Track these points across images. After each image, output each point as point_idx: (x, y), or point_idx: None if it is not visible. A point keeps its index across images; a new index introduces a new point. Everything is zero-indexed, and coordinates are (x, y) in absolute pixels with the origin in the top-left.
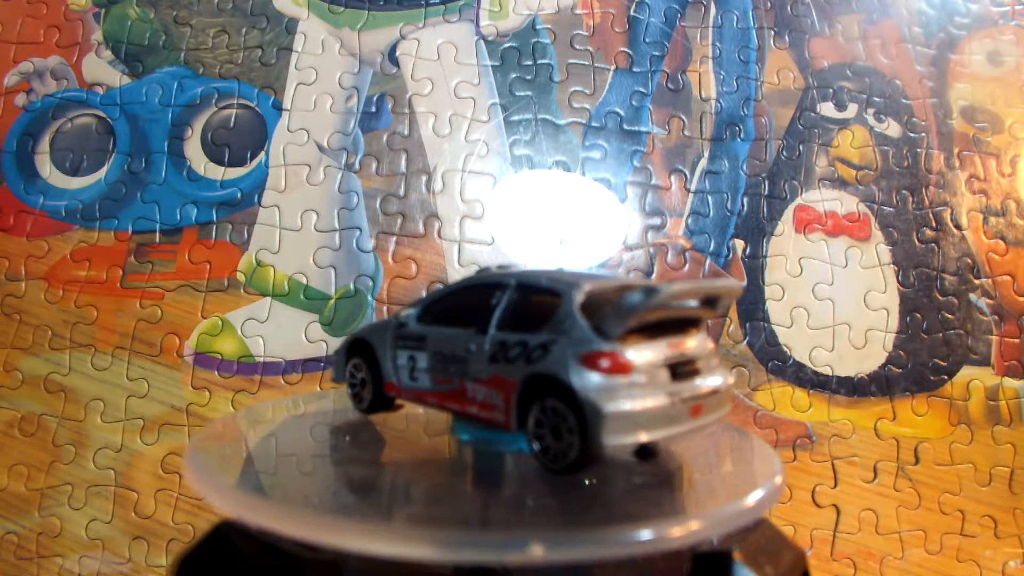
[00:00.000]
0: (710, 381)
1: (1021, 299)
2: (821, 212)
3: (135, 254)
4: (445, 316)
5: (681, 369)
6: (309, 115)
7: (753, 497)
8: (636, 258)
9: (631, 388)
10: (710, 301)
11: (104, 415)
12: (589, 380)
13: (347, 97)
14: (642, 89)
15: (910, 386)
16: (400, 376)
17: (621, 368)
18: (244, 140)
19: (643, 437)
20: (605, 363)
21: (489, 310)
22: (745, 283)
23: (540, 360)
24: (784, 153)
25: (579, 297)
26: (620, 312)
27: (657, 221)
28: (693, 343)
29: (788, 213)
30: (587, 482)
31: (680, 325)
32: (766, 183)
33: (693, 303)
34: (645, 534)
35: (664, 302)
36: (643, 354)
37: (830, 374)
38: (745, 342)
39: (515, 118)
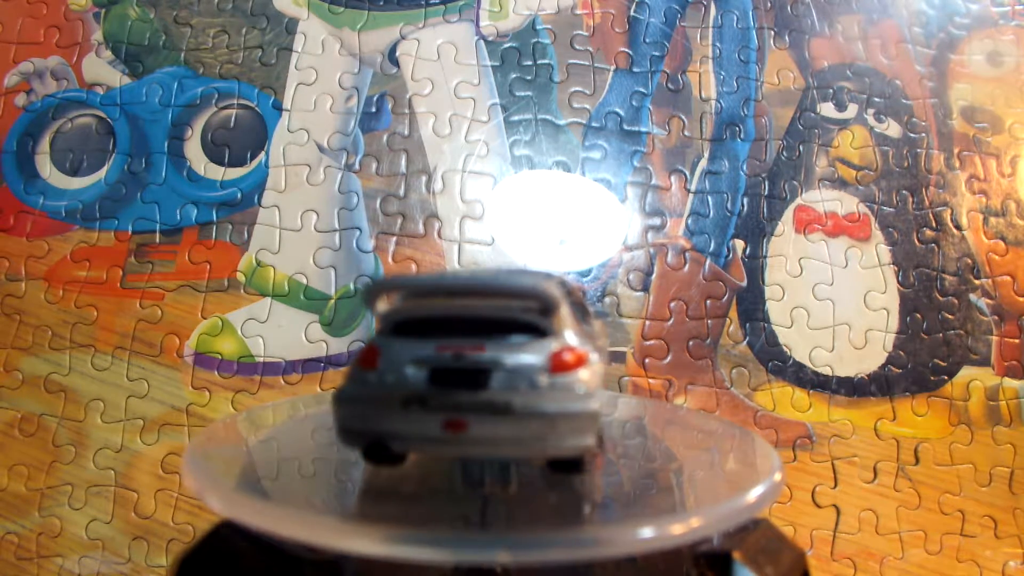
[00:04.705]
0: (498, 397)
1: (1021, 299)
2: (821, 212)
3: (135, 254)
4: None
5: (450, 376)
6: (309, 115)
7: (754, 493)
8: (636, 258)
9: (373, 385)
10: (545, 308)
11: (104, 415)
12: (351, 373)
13: (347, 97)
14: (642, 89)
15: (910, 386)
16: None
17: (367, 362)
18: (244, 140)
19: (368, 435)
20: (360, 356)
21: None
22: (745, 284)
23: None
24: (784, 153)
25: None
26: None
27: (657, 221)
28: (497, 350)
29: (788, 213)
30: (587, 480)
31: (488, 326)
32: (766, 183)
33: (483, 303)
34: (646, 532)
35: (372, 293)
36: (399, 351)
37: (830, 374)
38: (745, 342)
39: (515, 118)
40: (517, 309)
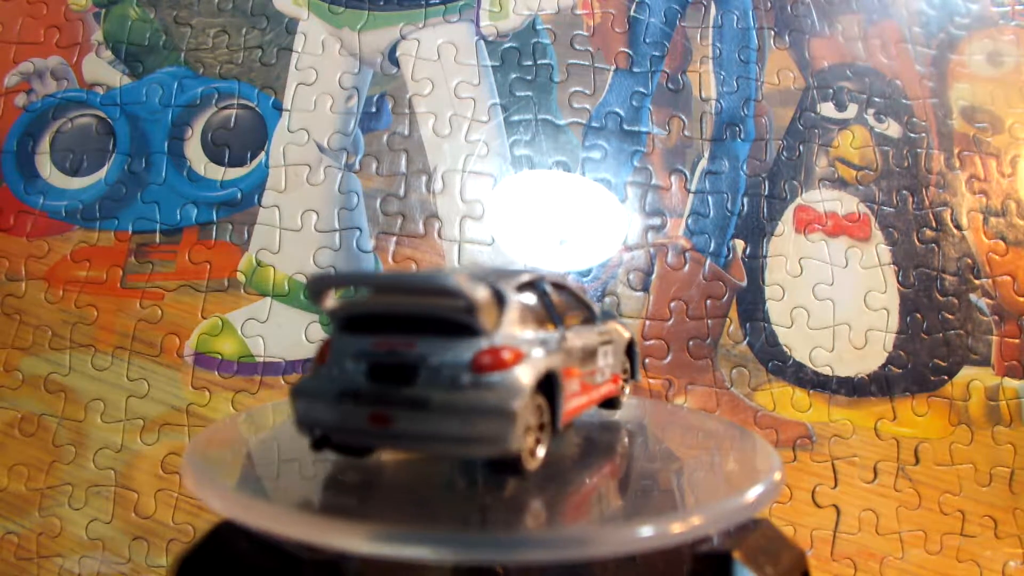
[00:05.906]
0: (420, 392)
1: (1021, 299)
2: (821, 212)
3: (135, 254)
4: None
5: (384, 372)
6: (309, 115)
7: (753, 493)
8: (636, 258)
9: (323, 379)
10: (469, 307)
11: (104, 415)
12: (310, 368)
13: (347, 97)
14: (642, 89)
15: (910, 386)
16: None
17: (320, 357)
18: (244, 140)
19: (313, 427)
20: (317, 351)
21: None
22: (745, 284)
23: None
24: (784, 153)
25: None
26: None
27: (657, 221)
28: (426, 347)
29: (788, 213)
30: (587, 480)
31: (425, 323)
32: (766, 183)
33: (416, 301)
34: (646, 531)
35: (315, 288)
36: (344, 347)
37: (830, 374)
38: (745, 342)
39: (515, 118)
40: (444, 307)
